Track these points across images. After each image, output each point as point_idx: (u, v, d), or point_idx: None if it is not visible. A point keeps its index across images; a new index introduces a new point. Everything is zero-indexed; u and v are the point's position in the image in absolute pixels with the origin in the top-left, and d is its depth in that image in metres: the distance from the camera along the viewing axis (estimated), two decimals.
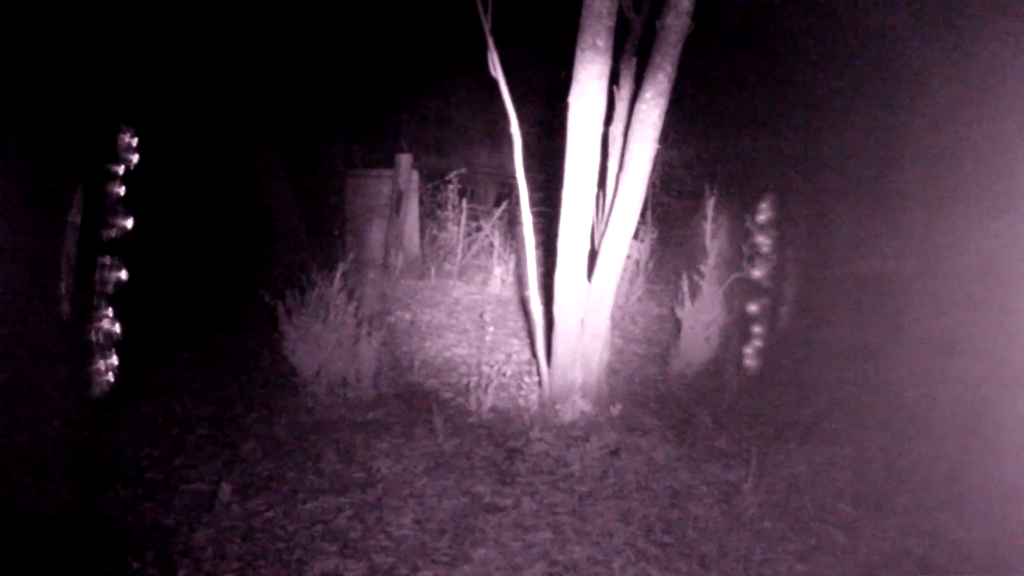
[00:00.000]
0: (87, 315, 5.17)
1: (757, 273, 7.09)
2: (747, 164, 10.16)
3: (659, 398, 6.64)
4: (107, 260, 5.17)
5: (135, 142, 5.27)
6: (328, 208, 10.78)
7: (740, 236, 7.15)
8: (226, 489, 4.81)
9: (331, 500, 4.79)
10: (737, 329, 7.24)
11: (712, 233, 7.12)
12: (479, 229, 10.34)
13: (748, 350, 7.00)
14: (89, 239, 5.17)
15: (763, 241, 7.17)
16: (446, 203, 10.28)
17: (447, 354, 7.37)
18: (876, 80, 9.07)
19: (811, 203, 9.98)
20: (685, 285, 7.11)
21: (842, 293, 8.71)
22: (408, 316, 8.30)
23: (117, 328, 5.23)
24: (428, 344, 7.57)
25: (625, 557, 4.33)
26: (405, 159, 9.70)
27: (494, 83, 6.07)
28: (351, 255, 6.74)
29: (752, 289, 7.51)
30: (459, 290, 9.32)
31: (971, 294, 7.24)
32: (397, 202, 9.65)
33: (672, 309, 7.59)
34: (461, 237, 10.10)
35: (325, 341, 6.24)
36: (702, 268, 7.12)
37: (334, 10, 10.75)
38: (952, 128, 8.19)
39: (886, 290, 8.46)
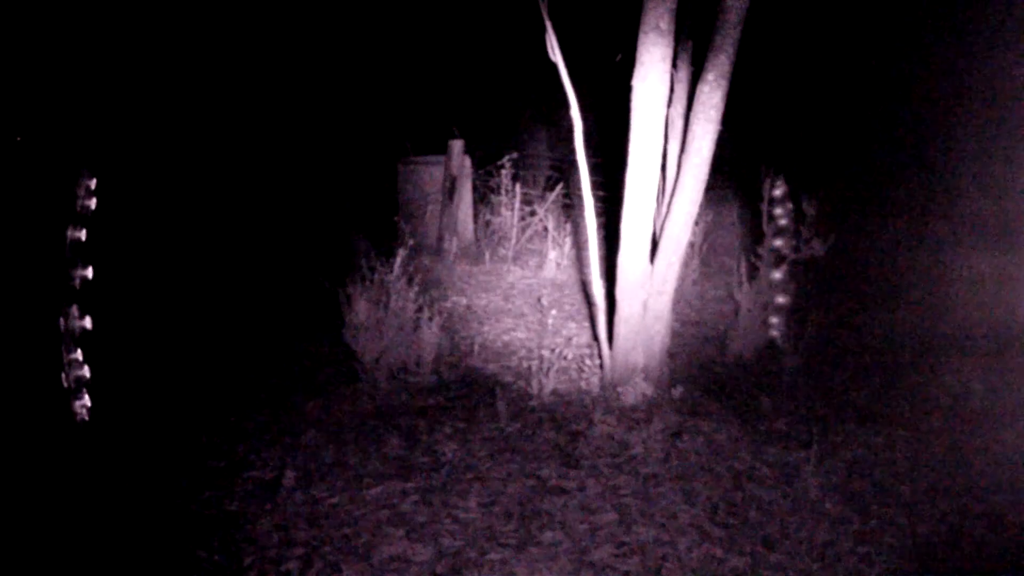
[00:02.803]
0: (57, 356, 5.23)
1: (815, 254, 7.00)
2: (804, 143, 10.06)
3: (719, 380, 6.61)
4: (73, 310, 5.22)
5: (93, 185, 5.29)
6: (383, 195, 10.81)
7: (798, 217, 7.07)
8: (289, 476, 4.86)
9: (396, 485, 4.82)
10: (795, 311, 7.18)
11: (769, 214, 7.07)
12: (533, 213, 10.33)
13: (806, 331, 6.93)
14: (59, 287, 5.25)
15: (820, 222, 7.07)
16: (499, 188, 10.27)
17: (506, 338, 7.39)
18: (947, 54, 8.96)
19: (869, 182, 9.89)
20: (743, 267, 7.07)
21: (900, 273, 8.63)
22: (464, 301, 8.34)
23: (86, 372, 5.27)
24: (486, 328, 7.60)
25: (691, 538, 4.33)
26: (457, 145, 9.70)
27: (546, 66, 6.06)
28: (409, 242, 6.76)
29: (810, 270, 7.45)
30: (514, 274, 9.35)
31: None
32: (450, 188, 9.67)
33: (728, 291, 7.55)
34: (515, 221, 10.10)
35: (386, 327, 6.28)
36: (759, 250, 7.07)
37: None
38: None
39: (943, 270, 8.37)
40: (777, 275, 7.01)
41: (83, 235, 5.26)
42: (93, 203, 5.29)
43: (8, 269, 5.25)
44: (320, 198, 10.74)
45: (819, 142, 10.24)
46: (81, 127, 5.81)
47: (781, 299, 7.06)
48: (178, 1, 8.62)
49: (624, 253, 5.93)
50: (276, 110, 10.27)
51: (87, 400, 5.23)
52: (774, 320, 7.07)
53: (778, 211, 6.99)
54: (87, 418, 5.21)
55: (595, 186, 6.39)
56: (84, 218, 5.26)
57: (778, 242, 6.99)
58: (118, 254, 6.38)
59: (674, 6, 5.49)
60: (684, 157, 5.83)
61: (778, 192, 7.00)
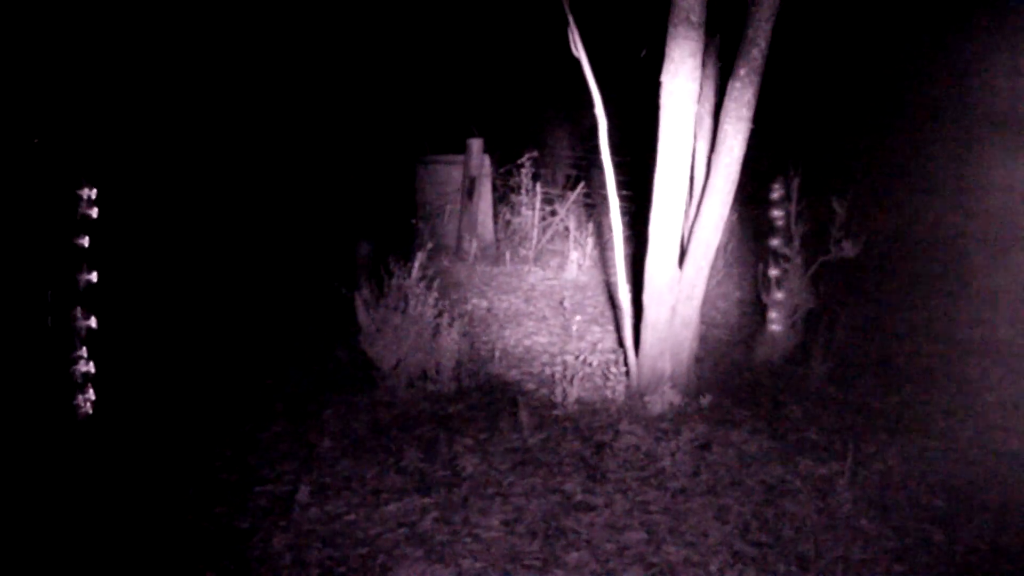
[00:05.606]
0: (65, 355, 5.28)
1: (844, 256, 6.77)
2: (831, 141, 9.86)
3: (747, 387, 6.43)
4: (78, 312, 5.28)
5: (94, 195, 5.32)
6: (401, 197, 10.66)
7: (826, 217, 6.86)
8: (304, 490, 4.69)
9: (415, 501, 4.64)
10: (823, 314, 6.98)
11: (796, 214, 6.86)
12: (553, 213, 10.16)
13: (835, 336, 6.73)
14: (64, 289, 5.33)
15: (849, 222, 6.85)
16: (519, 187, 10.09)
17: (527, 343, 7.21)
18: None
19: (898, 180, 9.68)
20: (770, 269, 6.88)
21: (933, 275, 8.43)
22: (485, 304, 8.15)
23: (92, 367, 5.30)
24: (507, 333, 7.42)
25: (722, 559, 4.14)
26: (476, 144, 9.54)
27: (568, 62, 5.88)
28: (428, 244, 6.58)
29: (839, 272, 7.24)
30: (535, 275, 9.16)
31: None
32: (469, 188, 9.50)
33: (755, 293, 7.36)
34: (536, 221, 9.92)
35: (404, 333, 6.11)
36: (786, 251, 6.87)
37: None
38: None
39: (979, 269, 8.17)
40: (805, 277, 6.81)
41: (86, 242, 5.29)
42: (94, 212, 5.33)
43: (15, 273, 5.26)
44: (335, 199, 10.57)
45: (846, 139, 10.02)
46: (89, 134, 5.75)
47: (809, 302, 6.85)
48: (187, 3, 8.49)
49: (652, 257, 5.74)
50: (288, 111, 10.13)
51: (91, 394, 5.25)
52: (802, 324, 6.87)
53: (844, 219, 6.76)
54: (91, 411, 5.23)
55: (619, 186, 6.20)
56: (86, 226, 5.28)
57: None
58: (132, 259, 6.28)
59: None
60: (714, 157, 5.63)
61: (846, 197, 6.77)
